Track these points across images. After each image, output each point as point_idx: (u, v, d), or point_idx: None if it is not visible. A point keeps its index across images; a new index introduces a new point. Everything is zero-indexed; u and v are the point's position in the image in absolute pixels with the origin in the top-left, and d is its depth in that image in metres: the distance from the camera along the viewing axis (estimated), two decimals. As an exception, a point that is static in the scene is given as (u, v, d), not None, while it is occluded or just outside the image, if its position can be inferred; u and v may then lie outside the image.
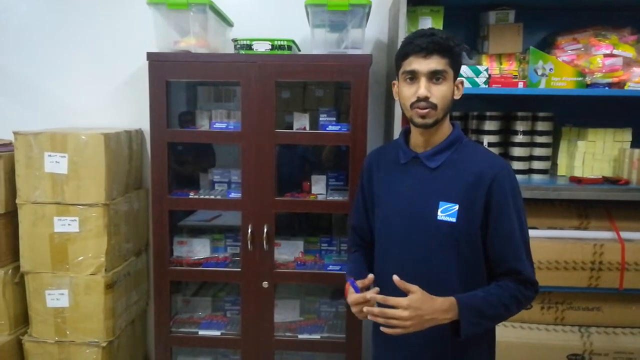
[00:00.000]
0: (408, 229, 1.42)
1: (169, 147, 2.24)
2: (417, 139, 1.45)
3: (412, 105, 1.36)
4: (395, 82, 1.45)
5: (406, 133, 1.50)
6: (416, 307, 1.25)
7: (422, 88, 1.33)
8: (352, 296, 1.35)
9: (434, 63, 1.33)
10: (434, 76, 1.34)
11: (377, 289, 1.35)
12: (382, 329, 1.27)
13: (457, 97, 1.41)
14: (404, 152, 1.47)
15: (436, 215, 1.38)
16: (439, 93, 1.35)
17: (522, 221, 1.39)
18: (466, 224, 1.37)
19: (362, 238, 1.64)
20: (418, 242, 1.41)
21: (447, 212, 1.37)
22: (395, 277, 1.28)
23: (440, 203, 1.38)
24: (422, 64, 1.33)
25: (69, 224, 2.21)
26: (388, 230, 1.48)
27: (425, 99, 1.34)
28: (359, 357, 2.29)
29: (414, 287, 1.27)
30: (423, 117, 1.35)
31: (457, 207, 1.36)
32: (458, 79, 1.41)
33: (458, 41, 1.39)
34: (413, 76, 1.36)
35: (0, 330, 2.30)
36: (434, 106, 1.34)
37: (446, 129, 1.43)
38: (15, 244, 2.28)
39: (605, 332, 2.19)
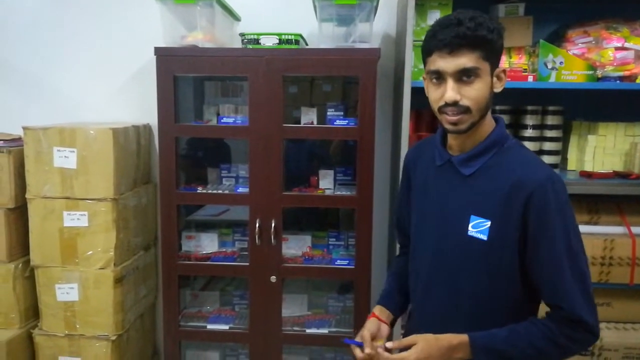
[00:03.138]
0: (438, 242, 1.27)
1: (177, 142, 2.25)
2: (451, 140, 1.27)
3: (440, 110, 1.18)
4: (425, 76, 1.24)
5: (443, 130, 1.29)
6: (420, 357, 1.15)
7: (449, 91, 1.13)
8: (357, 356, 1.27)
9: (463, 59, 1.11)
10: (464, 75, 1.13)
11: (381, 344, 1.24)
12: None
13: (497, 90, 1.19)
14: (440, 153, 1.29)
15: (467, 230, 1.20)
16: (471, 94, 1.14)
17: (572, 246, 1.14)
18: (499, 244, 1.17)
19: (405, 236, 1.48)
20: (448, 259, 1.25)
21: (478, 227, 1.19)
22: (388, 345, 1.21)
23: (472, 217, 1.20)
24: (448, 62, 1.12)
25: (78, 219, 2.23)
26: (420, 241, 1.35)
27: (455, 103, 1.14)
28: (367, 351, 2.29)
29: (411, 340, 1.19)
30: (454, 123, 1.16)
31: (489, 223, 1.17)
32: (499, 68, 1.18)
33: (493, 25, 1.14)
34: (439, 76, 1.16)
35: (11, 323, 2.33)
36: (466, 110, 1.14)
37: (485, 128, 1.21)
38: (25, 238, 2.30)
39: (616, 328, 2.17)
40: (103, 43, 2.61)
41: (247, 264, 2.29)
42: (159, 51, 2.17)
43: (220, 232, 2.49)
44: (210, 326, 2.38)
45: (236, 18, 2.44)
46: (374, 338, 1.31)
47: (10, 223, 2.29)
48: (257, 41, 2.17)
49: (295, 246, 2.41)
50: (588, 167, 2.22)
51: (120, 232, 2.28)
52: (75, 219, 2.23)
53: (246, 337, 2.35)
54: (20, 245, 2.34)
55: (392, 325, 1.42)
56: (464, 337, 1.17)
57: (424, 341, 1.18)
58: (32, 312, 2.38)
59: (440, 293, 1.28)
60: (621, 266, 2.10)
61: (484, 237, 1.18)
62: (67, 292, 2.28)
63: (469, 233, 1.20)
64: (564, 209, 1.14)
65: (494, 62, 1.17)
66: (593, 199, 2.21)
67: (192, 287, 2.63)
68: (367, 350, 1.25)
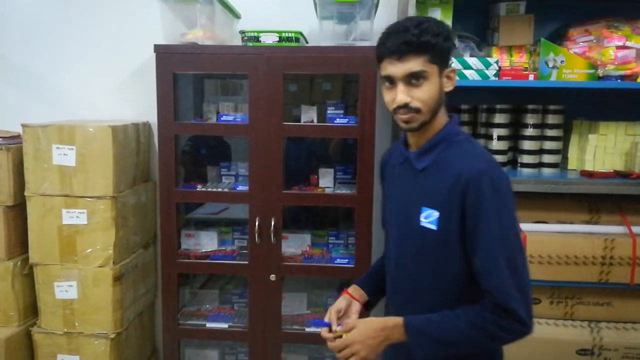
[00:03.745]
0: (401, 235, 1.36)
1: (177, 140, 2.24)
2: (410, 139, 1.35)
3: (394, 111, 1.25)
4: (380, 80, 1.32)
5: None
6: (358, 338, 1.26)
7: (400, 94, 1.21)
8: (323, 336, 1.38)
9: (410, 64, 1.19)
10: (412, 78, 1.20)
11: (339, 327, 1.35)
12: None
13: (448, 89, 1.27)
14: (401, 152, 1.38)
15: (419, 221, 1.27)
16: (420, 95, 1.21)
17: (509, 241, 1.18)
18: (447, 233, 1.23)
19: None
20: (407, 249, 1.34)
21: (428, 218, 1.26)
22: (335, 328, 1.33)
23: (423, 208, 1.27)
24: (397, 68, 1.20)
25: (77, 216, 2.22)
26: (387, 235, 1.45)
27: (405, 105, 1.22)
28: (366, 350, 2.28)
29: (353, 323, 1.30)
30: (407, 122, 1.25)
31: (438, 214, 1.24)
32: (448, 69, 1.26)
33: (438, 29, 1.20)
34: (390, 81, 1.23)
35: (10, 321, 2.32)
36: (417, 110, 1.22)
37: (437, 125, 1.28)
38: (24, 236, 2.29)
39: (616, 328, 2.16)
40: (103, 40, 2.60)
41: (247, 262, 2.29)
42: (158, 49, 2.16)
43: (219, 230, 2.48)
44: (209, 324, 2.38)
45: (236, 15, 2.43)
46: (344, 314, 1.43)
47: (9, 221, 2.28)
48: (257, 39, 2.17)
49: (295, 245, 2.41)
50: (589, 167, 2.22)
51: (120, 230, 2.27)
52: (74, 217, 2.22)
53: (245, 336, 2.35)
54: (19, 243, 2.33)
55: (367, 306, 1.51)
56: (399, 320, 1.25)
57: (362, 324, 1.29)
58: (31, 310, 2.38)
59: (404, 281, 1.37)
60: (621, 266, 2.09)
61: (434, 227, 1.25)
62: (66, 290, 2.27)
63: (421, 224, 1.27)
64: (500, 202, 1.18)
65: (441, 64, 1.23)
66: (593, 199, 2.21)
67: (192, 285, 2.63)
68: (331, 333, 1.36)
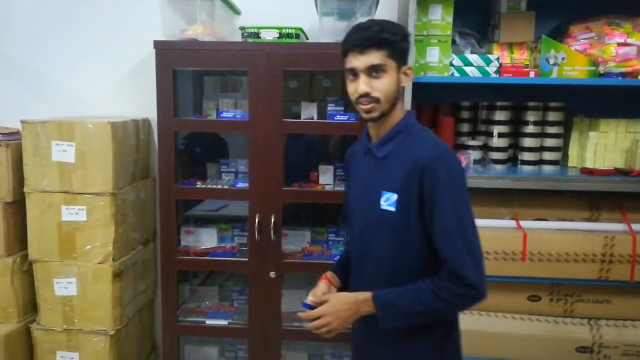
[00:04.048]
0: (363, 220, 1.46)
1: (176, 136, 2.23)
2: (371, 130, 1.47)
3: (356, 101, 1.38)
4: (345, 73, 1.44)
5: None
6: (331, 310, 1.38)
7: (362, 84, 1.35)
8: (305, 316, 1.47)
9: (371, 58, 1.33)
10: (373, 70, 1.34)
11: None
12: (313, 330, 1.42)
13: (404, 84, 1.39)
14: (364, 144, 1.50)
15: (380, 204, 1.39)
16: (379, 86, 1.34)
17: (461, 217, 1.31)
18: (404, 214, 1.36)
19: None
20: (370, 232, 1.44)
21: (387, 201, 1.38)
22: (309, 299, 1.45)
23: (383, 192, 1.38)
24: (360, 60, 1.34)
25: (76, 213, 2.21)
26: (351, 223, 1.55)
27: (367, 94, 1.34)
28: (366, 347, 2.28)
29: (326, 297, 1.42)
30: (368, 111, 1.37)
31: (396, 196, 1.36)
32: (405, 66, 1.38)
33: (396, 29, 1.36)
34: (354, 73, 1.37)
35: (9, 318, 2.32)
36: (376, 100, 1.35)
37: (395, 118, 1.41)
38: (23, 232, 2.29)
39: (615, 325, 2.17)
40: (102, 36, 2.59)
41: (246, 259, 2.29)
42: (158, 45, 2.15)
43: (219, 227, 2.48)
44: (209, 321, 2.38)
45: (236, 11, 2.42)
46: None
47: (8, 217, 2.28)
48: (257, 35, 2.16)
49: (295, 242, 2.41)
50: (589, 164, 2.22)
51: (119, 226, 2.27)
52: (73, 214, 2.22)
53: (245, 333, 2.34)
54: (19, 239, 2.32)
55: (340, 291, 1.58)
56: (368, 294, 1.36)
57: (335, 298, 1.41)
58: (30, 306, 2.38)
59: (367, 263, 1.47)
60: (621, 263, 2.09)
61: (393, 209, 1.37)
62: (65, 286, 2.27)
63: (381, 206, 1.39)
64: (453, 182, 1.31)
65: (399, 60, 1.37)
66: (594, 196, 2.21)
67: (191, 282, 2.62)
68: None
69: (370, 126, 1.45)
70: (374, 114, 1.37)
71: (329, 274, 1.60)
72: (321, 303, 1.41)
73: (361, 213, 1.47)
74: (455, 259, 1.28)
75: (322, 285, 1.55)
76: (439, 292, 1.29)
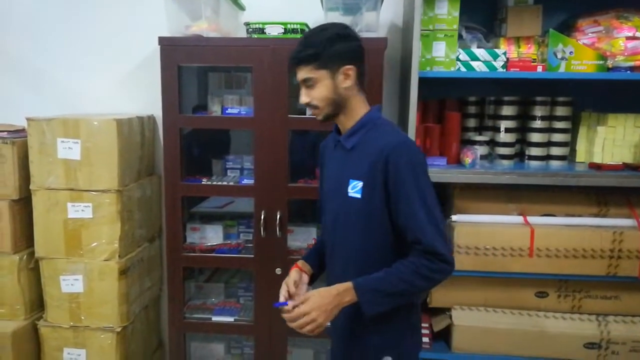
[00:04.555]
0: (334, 209, 1.54)
1: (181, 133, 2.23)
2: (339, 125, 1.55)
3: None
4: None
5: None
6: (314, 306, 1.38)
7: (302, 96, 1.48)
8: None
9: (302, 73, 1.46)
10: (306, 83, 1.46)
11: (291, 303, 1.45)
12: (297, 329, 1.42)
13: (345, 85, 1.45)
14: (333, 138, 1.60)
15: (347, 192, 1.47)
16: (315, 95, 1.46)
17: (425, 197, 1.39)
18: (370, 200, 1.43)
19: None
20: (340, 219, 1.52)
21: (354, 188, 1.46)
22: (290, 303, 1.45)
23: (350, 180, 1.47)
24: (298, 75, 1.48)
25: (82, 210, 2.22)
26: (324, 213, 1.63)
27: (308, 104, 1.48)
28: (373, 344, 2.28)
29: (307, 295, 1.42)
30: (314, 115, 1.50)
31: (361, 183, 1.44)
32: (343, 68, 1.44)
33: (320, 39, 1.44)
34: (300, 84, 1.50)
35: (16, 315, 2.32)
36: (315, 107, 1.47)
37: (357, 113, 1.50)
38: (30, 229, 2.29)
39: (624, 321, 2.15)
40: (107, 33, 2.58)
41: (252, 256, 2.28)
42: (163, 41, 2.14)
43: (225, 224, 2.47)
44: (215, 318, 2.38)
45: (241, 7, 2.41)
46: (297, 286, 1.58)
47: (15, 214, 2.28)
48: (262, 30, 2.15)
49: (301, 238, 2.40)
50: (597, 159, 2.20)
51: (125, 223, 2.27)
52: (79, 211, 2.22)
53: (251, 330, 2.34)
54: (25, 236, 2.33)
55: (312, 279, 1.66)
56: (348, 284, 1.40)
57: (316, 293, 1.43)
58: (37, 303, 2.38)
59: (339, 248, 1.54)
60: (630, 259, 2.07)
61: (359, 196, 1.45)
62: (71, 283, 2.27)
63: (349, 194, 1.47)
64: (415, 167, 1.39)
65: (331, 66, 1.44)
66: (602, 191, 2.19)
67: (197, 279, 2.62)
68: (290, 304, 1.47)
69: (336, 122, 1.55)
70: (319, 118, 1.49)
71: (300, 262, 1.66)
72: (302, 303, 1.42)
73: (333, 203, 1.55)
74: (428, 238, 1.36)
75: (293, 274, 1.60)
76: (419, 270, 1.36)
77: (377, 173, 1.41)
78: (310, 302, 1.40)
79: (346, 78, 1.45)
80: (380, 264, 1.42)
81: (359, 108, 1.50)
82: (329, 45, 1.44)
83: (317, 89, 1.46)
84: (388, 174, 1.39)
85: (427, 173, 1.42)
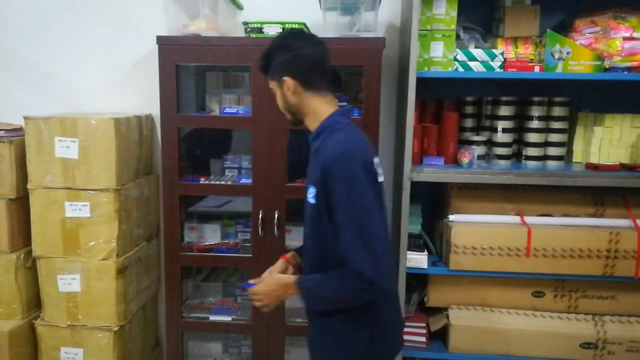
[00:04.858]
0: (304, 211, 1.60)
1: (179, 132, 2.23)
2: None
3: None
4: None
5: None
6: (264, 289, 1.56)
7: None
8: None
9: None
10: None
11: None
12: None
13: (289, 95, 1.51)
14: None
15: (307, 196, 1.52)
16: (277, 103, 1.58)
17: (357, 213, 1.37)
18: (320, 207, 1.46)
19: None
20: (305, 222, 1.59)
21: (310, 194, 1.49)
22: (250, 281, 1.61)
23: (309, 186, 1.51)
24: None
25: (80, 209, 2.21)
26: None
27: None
28: (370, 343, 2.28)
29: (262, 277, 1.60)
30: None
31: (315, 190, 1.47)
32: (282, 79, 1.50)
33: (264, 53, 1.53)
34: None
35: (13, 314, 2.32)
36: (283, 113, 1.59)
37: (320, 117, 1.52)
38: (27, 228, 2.29)
39: (620, 321, 2.16)
40: (105, 32, 2.58)
41: (250, 255, 2.29)
42: (161, 40, 2.14)
43: (222, 223, 2.47)
44: (212, 317, 2.38)
45: (239, 6, 2.41)
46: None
47: (12, 213, 2.28)
48: (260, 30, 2.15)
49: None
50: (594, 159, 2.20)
51: (123, 223, 2.27)
52: (77, 210, 2.22)
53: (249, 329, 2.34)
54: (22, 235, 2.33)
55: (301, 270, 1.69)
56: (293, 277, 1.54)
57: (268, 278, 1.59)
58: (35, 302, 2.38)
59: (307, 250, 1.61)
60: (626, 259, 2.08)
61: (313, 202, 1.48)
62: (69, 282, 2.27)
63: (307, 199, 1.52)
64: (351, 181, 1.37)
65: (276, 77, 1.52)
66: (599, 192, 2.20)
67: (195, 278, 2.62)
68: None
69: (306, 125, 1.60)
70: (289, 123, 1.61)
71: (289, 254, 1.73)
72: (259, 282, 1.58)
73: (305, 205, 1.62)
74: (350, 255, 1.36)
75: (278, 264, 1.68)
76: (343, 284, 1.40)
77: (322, 182, 1.43)
78: (262, 285, 1.57)
79: (288, 88, 1.50)
80: (330, 267, 1.44)
81: (322, 111, 1.52)
82: (272, 58, 1.52)
83: (277, 98, 1.56)
84: (327, 185, 1.41)
85: (363, 185, 1.38)
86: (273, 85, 1.55)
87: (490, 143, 2.28)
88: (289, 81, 1.49)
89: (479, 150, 2.21)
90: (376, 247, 1.36)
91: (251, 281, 1.62)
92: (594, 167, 2.14)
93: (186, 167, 2.42)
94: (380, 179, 1.48)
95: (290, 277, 1.56)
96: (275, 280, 1.57)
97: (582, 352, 2.14)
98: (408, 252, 2.12)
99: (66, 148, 2.18)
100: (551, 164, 2.24)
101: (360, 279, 1.35)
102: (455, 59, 2.10)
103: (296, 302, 2.40)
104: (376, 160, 1.49)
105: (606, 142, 2.20)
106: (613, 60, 2.04)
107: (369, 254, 1.35)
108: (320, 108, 1.52)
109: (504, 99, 2.24)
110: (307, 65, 1.50)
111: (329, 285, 1.44)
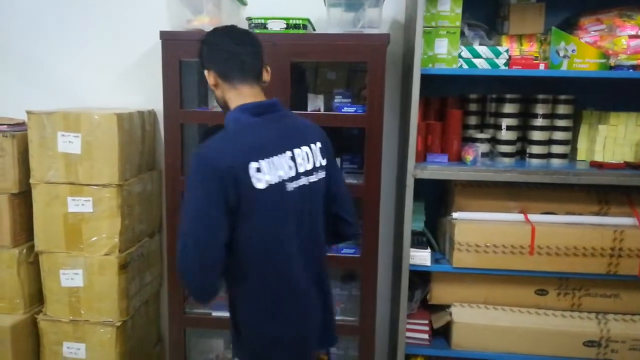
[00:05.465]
0: None
1: (182, 128, 2.22)
2: None
3: None
4: None
5: None
6: None
7: None
8: None
9: None
10: None
11: None
12: None
13: (211, 86, 1.58)
14: None
15: None
16: None
17: (186, 210, 1.44)
18: None
19: None
20: None
21: None
22: None
23: None
24: None
25: (82, 204, 2.21)
26: None
27: None
28: (372, 340, 2.28)
29: None
30: None
31: None
32: (204, 71, 1.58)
33: (198, 50, 1.59)
34: None
35: (16, 309, 2.32)
36: None
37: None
38: (29, 223, 2.29)
39: (623, 320, 2.16)
40: (108, 27, 2.58)
41: (253, 251, 2.28)
42: (164, 35, 2.13)
43: (225, 219, 2.46)
44: (215, 313, 2.38)
45: (243, 2, 2.40)
46: None
47: (14, 208, 2.28)
48: (264, 26, 2.14)
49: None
50: (598, 157, 2.20)
51: (125, 218, 2.26)
52: (79, 205, 2.22)
53: (251, 325, 2.34)
54: (25, 230, 2.33)
55: None
56: None
57: None
58: (37, 297, 2.38)
59: None
60: (630, 258, 2.08)
61: None
62: (71, 277, 2.27)
63: None
64: (188, 180, 1.45)
65: (204, 70, 1.58)
66: (603, 190, 2.19)
67: (197, 274, 2.61)
68: None
69: None
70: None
71: None
72: None
73: None
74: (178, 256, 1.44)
75: None
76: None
77: None
78: None
79: (209, 80, 1.57)
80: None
81: (232, 104, 1.57)
82: (200, 51, 1.59)
83: None
84: None
85: (196, 187, 1.42)
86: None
87: (494, 141, 2.27)
88: (209, 73, 1.56)
89: (483, 147, 2.20)
90: (189, 243, 1.42)
91: None
92: (599, 166, 2.13)
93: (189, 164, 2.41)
94: (259, 185, 1.41)
95: None
96: None
97: (585, 351, 2.13)
98: (411, 249, 2.12)
99: (69, 143, 2.18)
100: (555, 162, 2.23)
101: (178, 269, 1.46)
102: (460, 56, 2.09)
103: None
104: (257, 164, 1.42)
105: (611, 141, 2.20)
106: (618, 58, 2.03)
107: (181, 250, 1.43)
108: (232, 100, 1.56)
109: (508, 96, 2.23)
110: (223, 57, 1.54)
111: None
